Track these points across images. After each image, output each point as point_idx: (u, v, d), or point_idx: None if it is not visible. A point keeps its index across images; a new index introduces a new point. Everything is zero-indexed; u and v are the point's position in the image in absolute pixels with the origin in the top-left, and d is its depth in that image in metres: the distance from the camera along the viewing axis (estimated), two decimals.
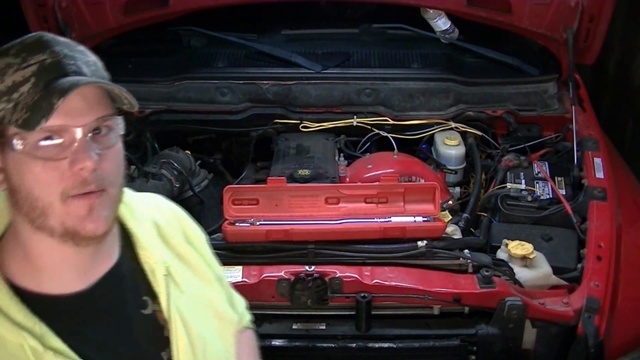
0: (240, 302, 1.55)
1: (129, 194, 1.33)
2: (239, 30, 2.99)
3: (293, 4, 2.95)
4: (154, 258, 1.28)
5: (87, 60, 1.15)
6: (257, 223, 2.11)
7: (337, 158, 2.51)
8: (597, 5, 2.57)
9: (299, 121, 2.67)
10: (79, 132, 1.09)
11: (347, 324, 2.05)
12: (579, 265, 2.12)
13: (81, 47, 1.18)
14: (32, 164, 1.09)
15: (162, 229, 1.36)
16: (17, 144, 1.08)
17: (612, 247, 2.13)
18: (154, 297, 1.28)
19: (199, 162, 2.53)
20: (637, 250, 2.20)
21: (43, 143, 1.08)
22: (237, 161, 2.66)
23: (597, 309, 1.98)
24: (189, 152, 2.50)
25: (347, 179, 2.40)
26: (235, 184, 2.41)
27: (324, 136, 2.63)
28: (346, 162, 2.51)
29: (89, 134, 1.11)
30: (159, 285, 1.27)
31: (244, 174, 2.51)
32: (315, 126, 2.66)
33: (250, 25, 3.06)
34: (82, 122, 1.10)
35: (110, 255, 1.25)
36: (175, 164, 2.37)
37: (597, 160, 2.44)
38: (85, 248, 1.16)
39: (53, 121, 1.07)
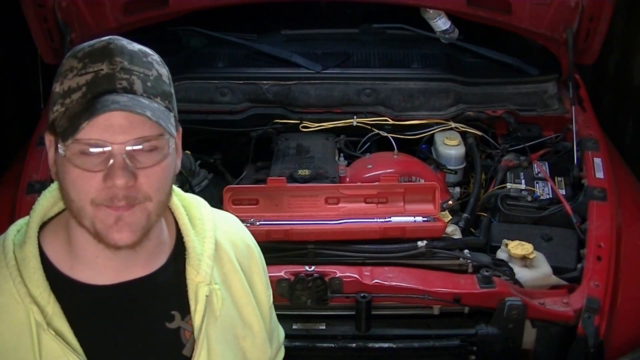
0: (279, 336, 1.55)
1: (209, 209, 1.36)
2: (239, 30, 2.98)
3: (293, 4, 2.94)
4: (200, 277, 1.27)
5: (147, 74, 1.16)
6: (257, 223, 2.11)
7: (337, 158, 2.51)
8: (597, 5, 2.57)
9: (299, 121, 2.66)
10: (116, 149, 1.11)
11: (347, 324, 2.06)
12: (579, 265, 2.12)
13: (150, 59, 1.18)
14: (70, 169, 1.13)
15: (222, 252, 1.34)
16: (60, 148, 1.13)
17: (612, 247, 2.13)
18: (185, 313, 1.27)
19: (199, 162, 2.52)
20: (637, 250, 2.20)
21: (82, 153, 1.11)
22: (237, 161, 2.65)
23: (597, 309, 1.98)
24: (189, 152, 2.49)
25: (347, 179, 2.39)
26: (235, 184, 2.41)
27: (324, 136, 2.62)
28: (346, 162, 2.50)
29: (127, 151, 1.11)
30: (198, 304, 1.27)
31: (244, 174, 2.50)
32: (315, 126, 2.66)
33: (250, 25, 3.06)
34: (120, 140, 1.11)
35: (149, 263, 1.26)
36: None
37: (597, 160, 2.44)
38: (117, 251, 1.18)
39: (92, 135, 1.10)
